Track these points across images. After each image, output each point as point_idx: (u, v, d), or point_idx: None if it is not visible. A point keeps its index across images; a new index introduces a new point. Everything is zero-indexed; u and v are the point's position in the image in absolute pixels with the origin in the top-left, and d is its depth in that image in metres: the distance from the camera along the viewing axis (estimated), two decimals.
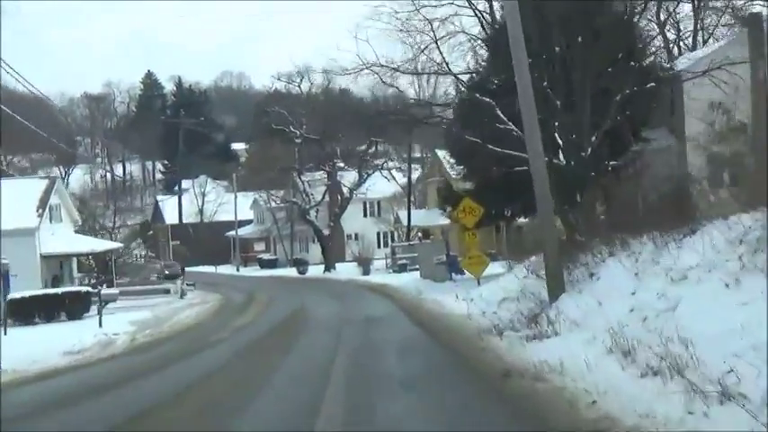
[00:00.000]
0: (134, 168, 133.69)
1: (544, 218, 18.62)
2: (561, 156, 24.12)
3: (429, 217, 65.48)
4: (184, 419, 11.23)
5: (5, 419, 11.78)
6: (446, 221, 61.60)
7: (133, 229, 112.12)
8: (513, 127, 24.43)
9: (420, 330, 20.85)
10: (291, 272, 68.31)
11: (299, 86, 64.92)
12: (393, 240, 67.97)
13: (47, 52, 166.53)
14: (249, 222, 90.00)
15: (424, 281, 42.38)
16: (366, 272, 58.00)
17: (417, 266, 47.75)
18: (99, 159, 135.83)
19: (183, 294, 44.40)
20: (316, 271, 65.13)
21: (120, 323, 31.32)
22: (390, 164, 67.74)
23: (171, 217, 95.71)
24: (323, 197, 66.77)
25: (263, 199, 78.04)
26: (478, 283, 31.57)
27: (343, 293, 40.04)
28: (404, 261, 54.23)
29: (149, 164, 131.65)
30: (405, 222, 66.17)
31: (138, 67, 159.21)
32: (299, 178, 66.60)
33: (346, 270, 61.52)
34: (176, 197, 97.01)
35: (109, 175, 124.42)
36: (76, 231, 49.77)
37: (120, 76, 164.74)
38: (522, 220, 43.35)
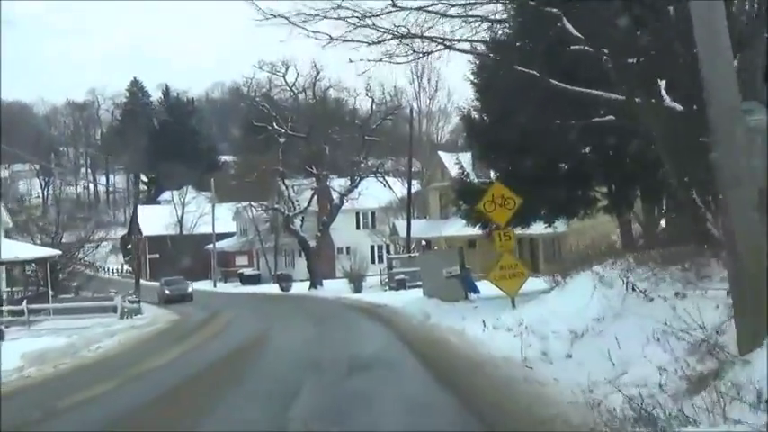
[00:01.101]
0: (118, 179, 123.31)
1: (737, 190, 8.34)
2: (665, 95, 13.71)
3: (430, 227, 55.19)
4: None
5: None
6: (451, 232, 51.46)
7: (113, 242, 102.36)
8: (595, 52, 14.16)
9: (453, 399, 10.34)
10: (274, 288, 57.99)
11: (283, 77, 54.79)
12: (389, 254, 57.40)
13: (31, 59, 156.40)
14: (232, 235, 79.51)
15: (429, 300, 32.20)
16: (358, 289, 48.04)
17: (420, 283, 37.57)
18: (83, 170, 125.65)
19: (123, 314, 33.88)
20: (301, 288, 54.96)
21: (10, 354, 21.24)
22: (387, 165, 57.27)
23: (148, 228, 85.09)
24: (309, 203, 56.41)
25: (245, 208, 67.54)
26: (513, 304, 21.30)
27: (327, 316, 29.74)
28: (402, 276, 43.97)
29: (133, 175, 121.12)
30: (402, 233, 55.76)
31: (125, 77, 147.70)
32: (283, 182, 56.23)
33: (335, 287, 51.35)
34: (154, 206, 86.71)
35: (91, 185, 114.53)
36: (7, 236, 39.36)
37: (106, 83, 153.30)
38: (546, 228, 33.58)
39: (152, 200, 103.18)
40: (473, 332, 18.91)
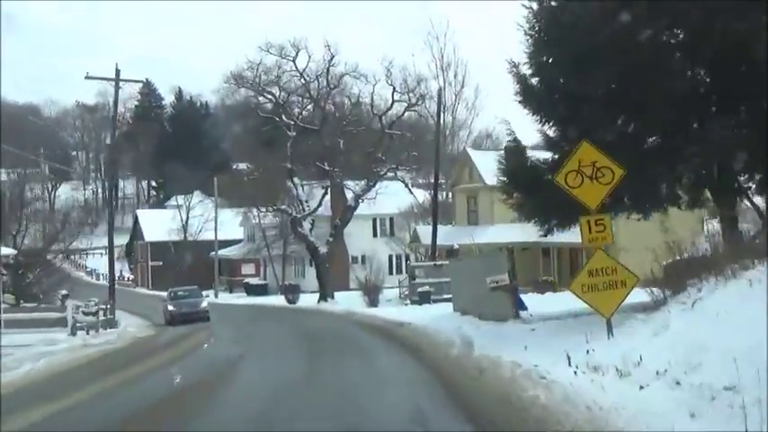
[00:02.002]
0: (127, 184, 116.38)
1: None
2: None
3: (457, 234, 47.28)
4: None
5: None
6: (483, 238, 43.61)
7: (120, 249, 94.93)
8: None
9: None
10: (281, 300, 50.41)
11: (293, 61, 47.21)
12: (410, 262, 49.37)
13: (41, 61, 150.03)
14: (239, 242, 71.81)
15: (463, 318, 24.62)
16: (374, 303, 40.65)
17: (448, 295, 29.98)
18: (93, 175, 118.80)
19: (75, 329, 26.30)
20: (310, 300, 47.31)
21: None
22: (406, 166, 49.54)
23: (151, 234, 77.65)
24: (320, 202, 48.72)
25: (249, 210, 59.87)
26: (610, 330, 13.55)
27: (331, 338, 22.07)
28: (427, 288, 36.23)
29: (145, 182, 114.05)
30: (425, 240, 47.96)
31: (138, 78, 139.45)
32: (292, 181, 48.51)
33: (348, 300, 43.77)
34: (159, 211, 79.26)
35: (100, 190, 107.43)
36: None
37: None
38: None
39: (160, 204, 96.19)
40: (561, 376, 11.20)
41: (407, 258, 55.40)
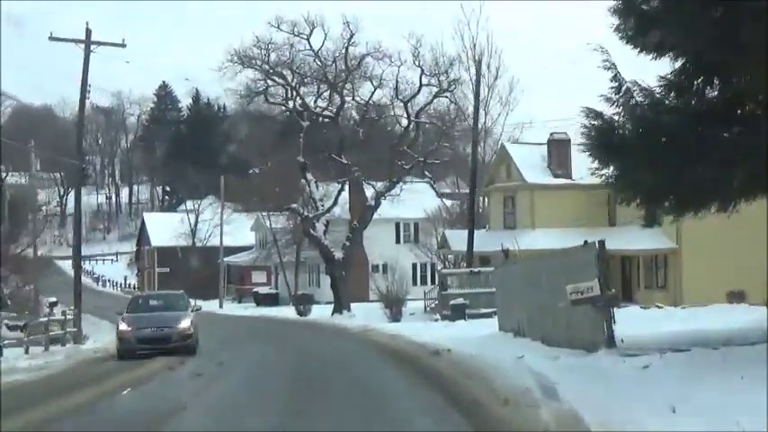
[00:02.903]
0: (142, 189, 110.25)
1: None
2: None
3: (491, 239, 39.83)
4: None
5: None
6: (527, 244, 36.39)
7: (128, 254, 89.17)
8: None
9: None
10: (291, 312, 43.56)
11: (307, 40, 40.37)
12: (441, 269, 41.74)
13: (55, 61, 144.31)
14: (251, 249, 64.83)
15: (516, 341, 17.97)
16: (396, 317, 34.01)
17: (492, 309, 23.07)
18: (108, 179, 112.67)
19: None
20: (323, 312, 40.62)
21: None
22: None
23: (158, 238, 70.89)
24: (335, 201, 41.61)
25: (261, 215, 53.12)
26: None
27: (333, 378, 14.97)
28: (462, 301, 29.13)
29: (160, 187, 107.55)
30: (456, 246, 40.78)
31: (151, 82, 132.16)
32: (305, 176, 41.50)
33: (366, 312, 36.95)
34: (166, 214, 72.66)
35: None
36: None
37: (131, 85, 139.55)
38: None
39: (173, 209, 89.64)
40: None
41: (434, 267, 48.34)
